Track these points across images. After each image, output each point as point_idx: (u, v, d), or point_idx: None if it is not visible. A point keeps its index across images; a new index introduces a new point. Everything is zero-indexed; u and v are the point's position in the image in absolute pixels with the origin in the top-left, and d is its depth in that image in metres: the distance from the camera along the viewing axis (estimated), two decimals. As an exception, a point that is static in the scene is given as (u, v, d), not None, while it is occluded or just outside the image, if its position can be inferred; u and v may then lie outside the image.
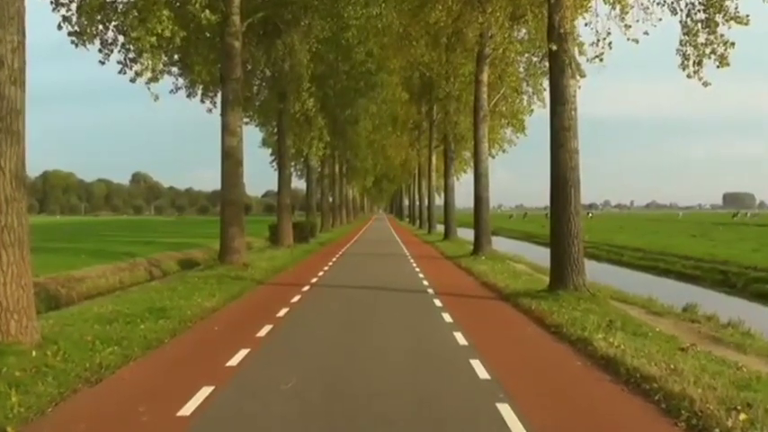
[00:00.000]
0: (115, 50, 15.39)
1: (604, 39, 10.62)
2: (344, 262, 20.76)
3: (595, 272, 16.31)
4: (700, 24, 10.32)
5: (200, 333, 8.74)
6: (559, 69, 11.33)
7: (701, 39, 10.33)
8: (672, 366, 6.10)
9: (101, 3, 13.65)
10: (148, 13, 13.23)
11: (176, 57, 20.37)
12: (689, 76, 10.45)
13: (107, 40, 15.07)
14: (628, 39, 10.42)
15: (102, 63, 15.25)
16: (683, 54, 10.49)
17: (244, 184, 18.69)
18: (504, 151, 31.50)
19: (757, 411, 4.71)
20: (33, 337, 6.93)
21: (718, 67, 10.35)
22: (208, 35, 18.94)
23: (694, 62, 10.44)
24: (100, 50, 15.13)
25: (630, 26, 10.42)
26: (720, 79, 10.94)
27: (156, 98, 14.57)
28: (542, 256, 20.28)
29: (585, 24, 11.05)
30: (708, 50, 10.29)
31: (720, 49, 10.27)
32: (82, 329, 7.91)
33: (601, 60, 10.76)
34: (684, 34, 10.49)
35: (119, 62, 15.72)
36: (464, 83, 27.58)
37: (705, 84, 10.59)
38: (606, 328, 8.02)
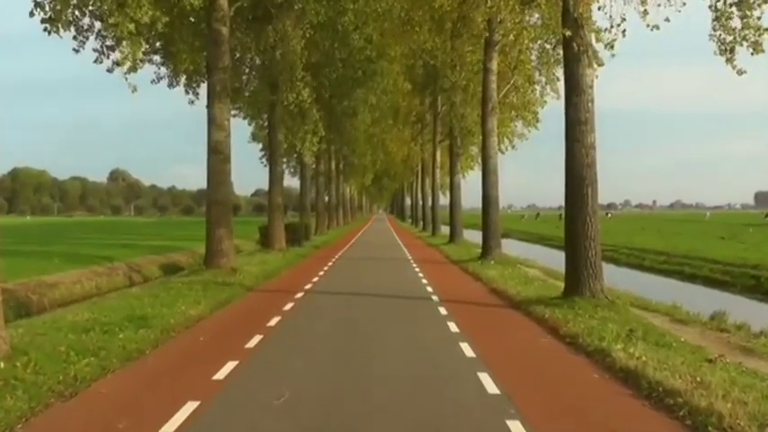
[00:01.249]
0: (91, 38, 15.39)
1: (618, 25, 10.59)
2: (341, 267, 20.75)
3: (614, 277, 16.31)
4: (734, 7, 10.25)
5: (185, 343, 8.73)
6: (574, 57, 11.32)
7: (735, 23, 10.27)
8: (698, 379, 6.09)
9: (76, -15, 13.66)
10: (128, -4, 13.22)
11: (158, 44, 20.42)
12: (728, 62, 10.37)
13: (82, 27, 15.06)
14: (647, 25, 10.39)
15: (77, 51, 15.21)
16: (719, 40, 10.42)
17: (232, 182, 18.72)
18: (514, 147, 31.47)
19: (791, 428, 4.70)
20: (2, 347, 6.92)
21: (752, 54, 10.30)
22: (192, 20, 18.97)
23: (727, 49, 10.39)
24: (75, 38, 15.11)
25: (648, 12, 10.37)
26: (753, 68, 10.90)
27: (135, 90, 14.51)
28: (556, 260, 20.25)
29: (599, 8, 11.02)
30: (740, 36, 10.24)
31: (753, 35, 10.22)
32: (55, 339, 7.90)
33: (612, 48, 10.74)
34: (715, 19, 10.45)
35: (95, 50, 15.76)
36: (471, 72, 27.57)
37: (740, 72, 10.52)
38: (626, 338, 8.02)
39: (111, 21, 12.65)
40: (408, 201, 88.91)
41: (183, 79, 21.86)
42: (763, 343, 8.77)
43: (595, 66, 11.64)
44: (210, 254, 17.25)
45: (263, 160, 40.17)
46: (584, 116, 11.30)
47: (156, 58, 21.06)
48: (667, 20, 10.40)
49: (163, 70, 21.53)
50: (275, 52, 22.97)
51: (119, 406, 5.83)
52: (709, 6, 10.49)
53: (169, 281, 15.65)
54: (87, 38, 15.28)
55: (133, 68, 14.25)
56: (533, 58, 24.09)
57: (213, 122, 17.15)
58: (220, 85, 17.18)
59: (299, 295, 13.44)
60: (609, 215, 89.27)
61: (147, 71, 21.03)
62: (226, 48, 17.38)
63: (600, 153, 11.51)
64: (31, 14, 12.28)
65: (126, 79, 14.42)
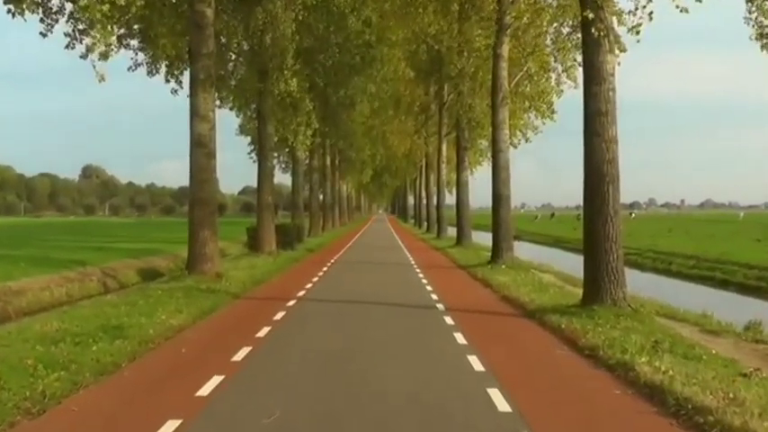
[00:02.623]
0: (62, 20, 15.37)
1: (644, 7, 10.60)
2: (338, 272, 20.75)
3: (638, 283, 16.31)
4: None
5: (165, 356, 8.73)
6: (594, 42, 11.31)
7: None
8: (731, 395, 6.08)
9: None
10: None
11: (135, 27, 20.41)
12: (764, 48, 10.34)
13: (51, 9, 15.05)
14: (677, 7, 10.39)
15: (44, 35, 15.13)
16: (757, 23, 10.38)
17: (217, 179, 18.72)
18: (527, 140, 31.57)
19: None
20: (-36, 360, 6.91)
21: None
22: (174, 1, 18.97)
23: (764, 34, 10.36)
24: (42, 20, 15.05)
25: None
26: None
27: (102, 79, 14.40)
28: (574, 264, 20.24)
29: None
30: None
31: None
32: (21, 351, 7.89)
33: (637, 33, 10.74)
34: (749, 0, 10.43)
35: (66, 35, 15.73)
36: (480, 58, 27.60)
37: None
38: (651, 351, 8.01)
39: (81, 3, 12.63)
40: (411, 200, 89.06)
41: (163, 66, 21.89)
42: (802, 356, 8.77)
43: (617, 52, 11.64)
44: (193, 258, 17.25)
45: (252, 155, 40.32)
46: (604, 107, 11.30)
47: (134, 43, 21.09)
48: (699, 0, 10.39)
49: (141, 56, 21.57)
50: (264, 36, 22.98)
51: (92, 425, 5.82)
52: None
53: (148, 287, 15.64)
54: (57, 20, 15.26)
55: (104, 55, 14.21)
56: (549, 42, 24.12)
57: (196, 113, 17.15)
58: (204, 73, 17.18)
59: (291, 303, 13.44)
60: (632, 215, 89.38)
61: (125, 58, 21.04)
62: (210, 31, 17.37)
63: (622, 147, 11.53)
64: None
65: (94, 67, 14.35)
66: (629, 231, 42.24)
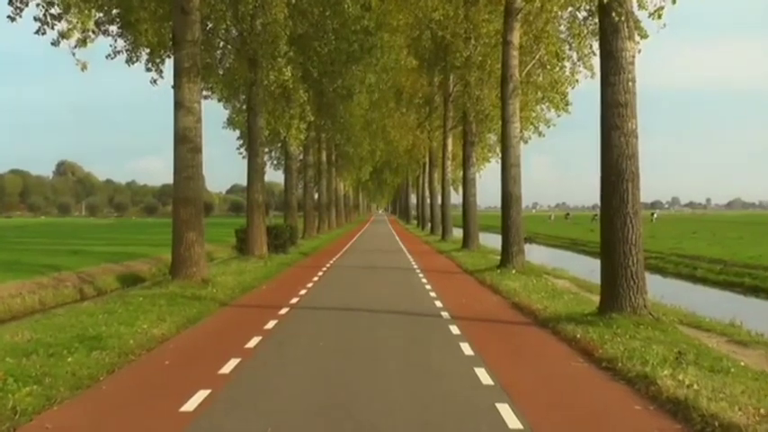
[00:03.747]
0: (32, 4, 15.31)
1: (665, -12, 10.61)
2: (334, 277, 20.77)
3: (660, 289, 16.30)
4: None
5: (147, 368, 8.73)
6: (613, 28, 11.31)
7: None
8: (762, 412, 6.09)
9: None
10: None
11: (114, 12, 20.42)
12: None
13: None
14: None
15: (12, 19, 15.10)
16: None
17: (203, 176, 18.70)
18: (540, 134, 31.51)
19: None
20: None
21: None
22: (156, -17, 18.99)
23: None
24: (10, 2, 14.98)
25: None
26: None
27: (85, 68, 14.43)
28: (590, 268, 20.24)
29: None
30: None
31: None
32: (-9, 364, 7.89)
33: (659, 17, 10.74)
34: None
35: (37, 19, 15.66)
36: (488, 45, 27.62)
37: None
38: (674, 363, 8.01)
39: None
40: (414, 199, 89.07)
41: (144, 54, 21.90)
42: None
43: (638, 38, 11.65)
44: (178, 262, 17.25)
45: (241, 150, 40.41)
46: (623, 98, 11.30)
47: (112, 28, 21.11)
48: None
49: (120, 43, 21.58)
50: (255, 22, 22.98)
51: (67, 443, 5.81)
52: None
53: (128, 294, 15.65)
54: (26, 4, 15.21)
55: (83, 42, 14.22)
56: (563, 28, 24.15)
57: (181, 105, 17.16)
58: (189, 61, 17.18)
59: (284, 311, 13.44)
60: (654, 216, 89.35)
61: (102, 44, 21.04)
62: (196, 16, 17.37)
63: (642, 142, 11.53)
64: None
65: (74, 55, 14.35)
66: (649, 233, 42.30)
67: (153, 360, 9.20)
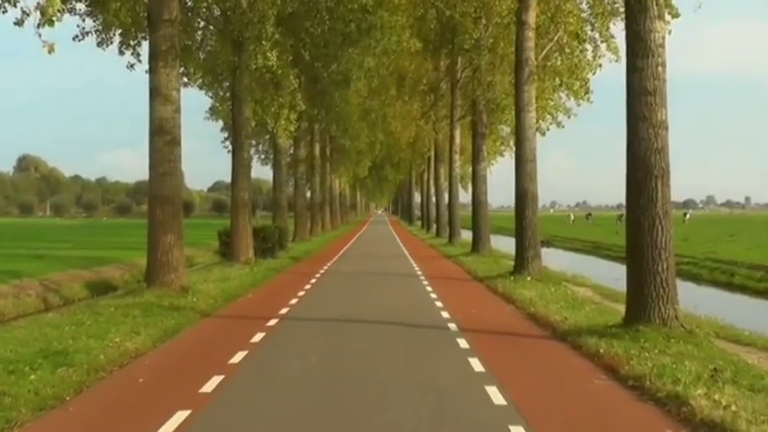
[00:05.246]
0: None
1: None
2: (329, 285, 20.79)
3: (694, 298, 16.30)
4: None
5: (119, 387, 8.73)
6: (640, 6, 11.32)
7: None
8: (806, 436, 6.07)
9: None
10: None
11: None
12: None
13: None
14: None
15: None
16: None
17: (182, 172, 18.70)
18: (559, 125, 31.56)
19: None
20: None
21: None
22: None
23: None
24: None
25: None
26: None
27: (52, 50, 14.42)
28: (615, 275, 20.20)
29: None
30: None
31: None
32: (-55, 382, 7.89)
33: None
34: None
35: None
36: (501, 26, 27.63)
37: None
38: (709, 381, 8.01)
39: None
40: (418, 197, 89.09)
41: (116, 36, 21.89)
42: None
43: (668, 17, 11.65)
44: (154, 268, 17.24)
45: (225, 143, 40.36)
46: (652, 85, 11.29)
47: (80, 6, 21.10)
48: None
49: (89, 23, 21.55)
50: (239, 0, 22.99)
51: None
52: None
53: (98, 304, 15.65)
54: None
55: (49, 21, 14.17)
56: (584, 6, 24.16)
57: (157, 93, 17.15)
58: (167, 43, 17.18)
59: (272, 323, 13.44)
60: (686, 216, 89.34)
61: (69, 25, 21.00)
62: (174, -7, 17.38)
63: (673, 134, 11.52)
64: None
65: (39, 35, 14.31)
66: (681, 236, 42.27)
67: (126, 377, 9.18)
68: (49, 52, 14.61)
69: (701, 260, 32.07)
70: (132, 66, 21.96)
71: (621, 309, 12.41)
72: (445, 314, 14.66)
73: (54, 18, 14.59)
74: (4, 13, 15.54)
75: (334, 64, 31.97)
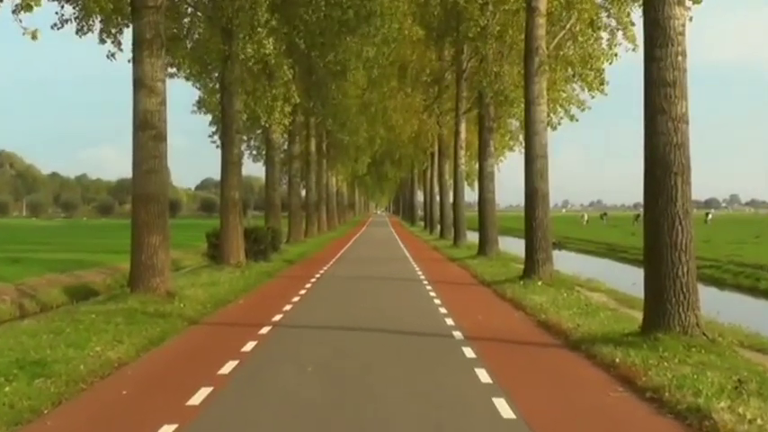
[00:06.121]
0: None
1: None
2: (325, 290, 20.81)
3: (716, 304, 16.27)
4: None
5: (100, 399, 8.72)
6: (659, -10, 11.31)
7: None
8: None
9: None
10: None
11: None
12: None
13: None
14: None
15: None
16: None
17: (168, 169, 18.70)
18: (572, 118, 31.51)
19: None
20: None
21: None
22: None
23: None
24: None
25: None
26: None
27: (35, 37, 14.51)
28: (632, 279, 20.22)
29: None
30: None
31: None
32: None
33: None
34: None
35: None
36: (509, 12, 27.62)
37: None
38: (733, 393, 8.01)
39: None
40: (420, 196, 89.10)
41: (97, 23, 21.85)
42: None
43: (689, 3, 11.65)
44: (138, 271, 17.25)
45: (214, 138, 40.39)
46: (671, 75, 11.29)
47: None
48: None
49: (68, 10, 21.51)
50: (230, -16, 22.98)
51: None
52: None
53: (78, 310, 15.63)
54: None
55: (27, 6, 14.24)
56: (599, -9, 24.10)
57: (141, 84, 17.15)
58: (151, 31, 17.17)
59: (265, 331, 13.44)
60: (709, 217, 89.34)
61: (47, 11, 20.95)
62: (159, -23, 17.39)
63: (694, 128, 11.51)
64: None
65: (20, 21, 14.40)
66: (704, 237, 42.25)
67: (108, 389, 9.17)
68: (33, 38, 14.73)
69: (725, 263, 32.06)
70: (113, 55, 21.90)
71: (638, 315, 12.42)
72: (450, 321, 14.66)
73: (32, 2, 14.67)
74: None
75: (330, 53, 32.01)
